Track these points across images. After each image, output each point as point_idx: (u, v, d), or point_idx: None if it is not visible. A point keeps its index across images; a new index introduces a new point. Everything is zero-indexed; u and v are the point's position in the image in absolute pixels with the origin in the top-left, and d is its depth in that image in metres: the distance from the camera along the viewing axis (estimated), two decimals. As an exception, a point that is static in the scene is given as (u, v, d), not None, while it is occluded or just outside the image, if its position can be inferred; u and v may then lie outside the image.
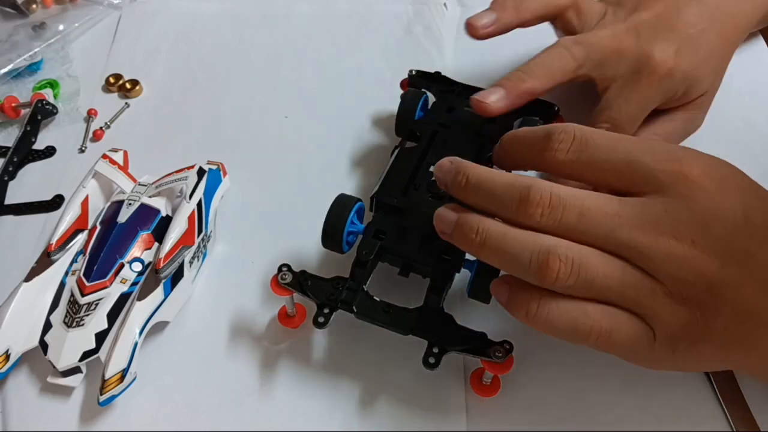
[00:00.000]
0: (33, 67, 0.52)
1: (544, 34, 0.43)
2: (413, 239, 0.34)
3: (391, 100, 0.44)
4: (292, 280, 0.34)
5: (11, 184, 0.45)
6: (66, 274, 0.37)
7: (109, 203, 0.40)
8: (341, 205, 0.35)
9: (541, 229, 0.29)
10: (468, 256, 0.34)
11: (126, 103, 0.50)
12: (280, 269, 0.34)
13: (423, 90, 0.43)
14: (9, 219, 0.43)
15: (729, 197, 0.28)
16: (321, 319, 0.32)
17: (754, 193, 0.29)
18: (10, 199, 0.44)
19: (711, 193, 0.28)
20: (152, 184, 0.41)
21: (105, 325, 0.35)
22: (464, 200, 0.31)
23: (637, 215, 0.28)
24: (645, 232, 0.28)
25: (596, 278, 0.28)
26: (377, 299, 0.33)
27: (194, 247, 0.38)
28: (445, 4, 0.56)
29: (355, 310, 0.32)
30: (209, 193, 0.40)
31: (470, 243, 0.30)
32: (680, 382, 0.34)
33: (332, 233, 0.35)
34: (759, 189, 0.30)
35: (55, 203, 0.44)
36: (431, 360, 0.30)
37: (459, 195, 0.31)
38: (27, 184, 0.45)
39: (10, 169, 0.45)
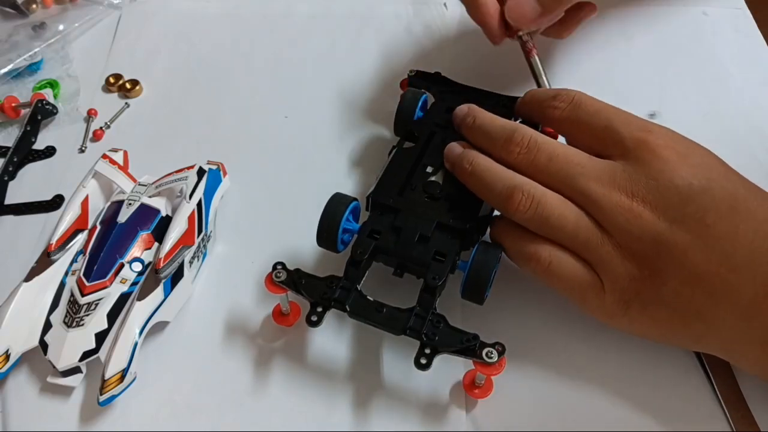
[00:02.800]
0: (33, 67, 0.52)
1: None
2: (408, 239, 0.34)
3: (390, 100, 0.44)
4: (287, 278, 0.34)
5: (11, 184, 0.45)
6: (66, 274, 0.37)
7: (109, 203, 0.40)
8: (336, 204, 0.35)
9: (518, 166, 0.34)
10: (463, 257, 0.34)
11: (126, 103, 0.50)
12: (274, 267, 0.34)
13: (422, 90, 0.43)
14: (9, 219, 0.43)
15: (689, 169, 0.31)
16: (314, 318, 0.32)
17: (723, 172, 0.31)
18: (10, 199, 0.44)
19: (671, 162, 0.31)
20: (152, 184, 0.41)
21: (105, 325, 0.35)
22: (469, 137, 0.37)
23: (598, 169, 0.32)
24: (601, 184, 0.31)
25: (551, 216, 0.32)
26: (371, 299, 0.33)
27: (194, 247, 0.38)
28: (445, 4, 0.56)
29: (348, 309, 0.32)
30: (209, 193, 0.40)
31: (463, 171, 0.35)
32: (680, 383, 0.34)
33: (327, 232, 0.35)
34: (728, 170, 0.32)
35: (55, 203, 0.44)
36: (423, 360, 0.30)
37: (466, 133, 0.37)
38: (27, 184, 0.45)
39: (10, 169, 0.45)
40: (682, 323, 0.30)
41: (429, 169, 0.37)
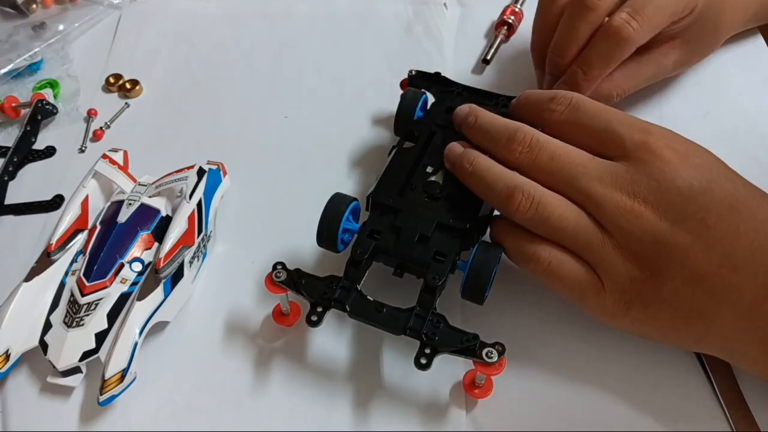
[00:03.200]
0: (33, 67, 0.52)
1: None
2: (408, 239, 0.34)
3: (390, 100, 0.44)
4: (287, 278, 0.34)
5: (11, 184, 0.45)
6: (66, 274, 0.37)
7: (109, 203, 0.40)
8: (336, 204, 0.35)
9: (519, 165, 0.33)
10: (463, 257, 0.34)
11: (126, 103, 0.50)
12: (274, 267, 0.34)
13: (422, 90, 0.43)
14: (9, 219, 0.43)
15: (690, 170, 0.31)
16: (314, 318, 0.32)
17: (723, 173, 0.32)
18: (10, 199, 0.44)
19: (672, 163, 0.31)
20: (152, 184, 0.41)
21: (105, 325, 0.35)
22: (470, 137, 0.37)
23: (600, 170, 0.32)
24: (602, 184, 0.31)
25: (551, 216, 0.32)
26: (371, 299, 0.33)
27: (194, 247, 0.38)
28: (445, 4, 0.56)
29: (348, 309, 0.32)
30: (209, 193, 0.40)
31: (463, 171, 0.35)
32: (680, 383, 0.34)
33: (327, 232, 0.35)
34: (728, 170, 0.32)
35: (55, 203, 0.44)
36: (423, 360, 0.30)
37: (467, 132, 0.37)
38: (27, 184, 0.45)
39: (10, 169, 0.45)
40: (684, 323, 0.31)
41: (429, 169, 0.37)
